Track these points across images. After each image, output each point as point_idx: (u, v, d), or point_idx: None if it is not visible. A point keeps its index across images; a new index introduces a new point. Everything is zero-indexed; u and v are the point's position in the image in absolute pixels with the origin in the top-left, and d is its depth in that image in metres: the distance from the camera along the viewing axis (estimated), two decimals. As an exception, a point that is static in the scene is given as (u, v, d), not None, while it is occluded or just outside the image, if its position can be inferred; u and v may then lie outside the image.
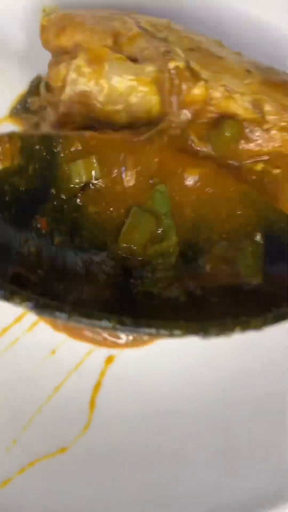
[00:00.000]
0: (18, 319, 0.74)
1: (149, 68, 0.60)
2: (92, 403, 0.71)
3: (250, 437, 0.67)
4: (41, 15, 0.69)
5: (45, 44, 0.62)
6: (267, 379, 0.71)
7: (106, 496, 0.64)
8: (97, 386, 0.73)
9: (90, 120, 0.62)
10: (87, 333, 0.72)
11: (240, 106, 0.59)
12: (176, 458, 0.67)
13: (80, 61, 0.60)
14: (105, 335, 0.72)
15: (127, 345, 0.73)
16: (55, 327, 0.73)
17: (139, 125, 0.61)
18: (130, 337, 0.72)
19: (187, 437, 0.68)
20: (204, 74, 0.59)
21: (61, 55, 0.61)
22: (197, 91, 0.59)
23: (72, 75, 0.60)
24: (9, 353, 0.72)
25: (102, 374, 0.74)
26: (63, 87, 0.61)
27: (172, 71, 0.59)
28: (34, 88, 0.74)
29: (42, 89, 0.63)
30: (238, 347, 0.71)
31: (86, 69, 0.61)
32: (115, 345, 0.73)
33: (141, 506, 0.63)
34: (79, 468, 0.66)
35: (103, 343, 0.73)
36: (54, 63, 0.62)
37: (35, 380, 0.71)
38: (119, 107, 0.61)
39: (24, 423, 0.68)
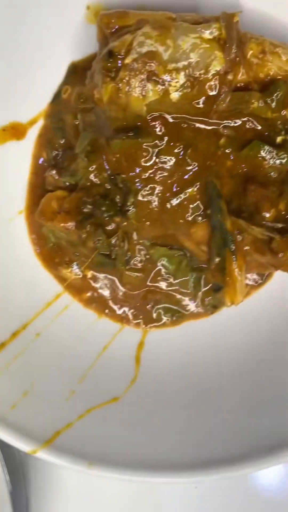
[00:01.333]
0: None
1: (214, 25, 0.67)
2: (137, 359, 0.79)
3: (277, 385, 0.75)
4: (86, 12, 0.77)
5: (105, 26, 0.69)
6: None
7: (153, 438, 0.72)
8: (141, 344, 0.81)
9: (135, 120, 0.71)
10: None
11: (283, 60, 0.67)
12: (214, 403, 0.75)
13: (147, 28, 0.67)
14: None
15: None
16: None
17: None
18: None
19: (223, 385, 0.76)
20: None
21: (122, 33, 0.69)
22: (253, 45, 0.68)
23: (140, 39, 0.66)
24: (62, 316, 0.80)
25: (144, 333, 0.82)
26: (127, 53, 0.66)
27: (237, 25, 0.67)
28: (69, 75, 0.82)
29: (101, 60, 0.67)
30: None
31: (153, 32, 0.67)
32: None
33: (183, 446, 0.71)
34: (129, 414, 0.74)
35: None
36: (117, 36, 0.68)
37: (86, 340, 0.79)
38: (180, 64, 0.67)
39: (79, 376, 0.76)
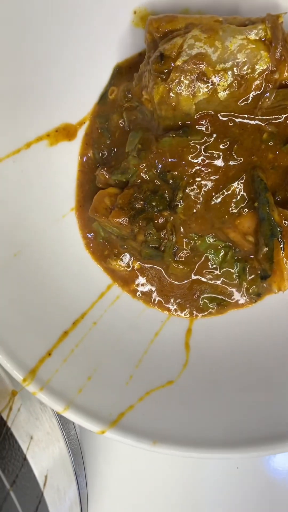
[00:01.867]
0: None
1: (260, 26, 0.71)
2: (187, 345, 0.84)
3: None
4: (132, 17, 0.81)
5: (155, 30, 0.73)
6: None
7: (208, 417, 0.76)
8: (189, 331, 0.85)
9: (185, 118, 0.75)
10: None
11: None
12: (262, 384, 0.80)
13: (196, 31, 0.71)
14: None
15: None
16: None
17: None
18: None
19: (270, 367, 0.81)
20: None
21: (172, 36, 0.72)
22: None
23: (190, 41, 0.70)
24: (114, 306, 0.85)
25: (192, 321, 0.87)
26: (177, 56, 0.70)
27: (282, 26, 0.71)
28: (115, 76, 0.86)
29: (153, 62, 0.71)
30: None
31: (202, 35, 0.71)
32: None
33: (236, 425, 0.75)
34: (185, 396, 0.79)
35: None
36: (167, 40, 0.72)
37: (138, 327, 0.84)
38: (228, 65, 0.71)
39: (136, 362, 0.81)
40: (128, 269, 0.87)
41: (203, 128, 0.76)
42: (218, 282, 0.86)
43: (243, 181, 0.77)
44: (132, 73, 0.82)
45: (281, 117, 0.76)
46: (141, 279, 0.88)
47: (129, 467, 0.95)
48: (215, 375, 0.81)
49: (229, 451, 0.72)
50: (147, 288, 0.87)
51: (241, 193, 0.77)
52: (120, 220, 0.77)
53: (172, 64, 0.72)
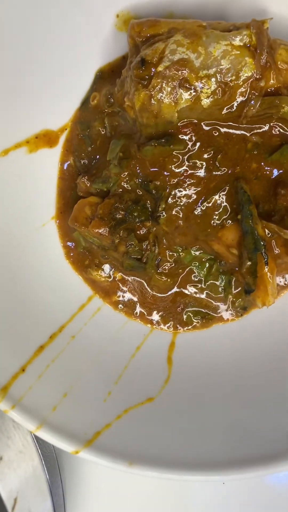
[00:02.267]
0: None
1: (245, 32, 0.68)
2: (169, 359, 0.81)
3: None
4: (115, 20, 0.78)
5: (136, 34, 0.70)
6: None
7: (189, 437, 0.73)
8: (172, 345, 0.83)
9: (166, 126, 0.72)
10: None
11: None
12: (246, 401, 0.77)
13: (178, 36, 0.68)
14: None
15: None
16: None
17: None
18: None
19: (254, 384, 0.78)
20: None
21: (154, 41, 0.70)
22: (283, 51, 0.69)
23: (172, 46, 0.68)
24: (95, 319, 0.82)
25: (175, 334, 0.84)
26: (159, 61, 0.67)
27: (267, 32, 0.68)
28: (97, 81, 0.83)
29: (134, 68, 0.68)
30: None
31: (185, 40, 0.68)
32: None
33: (218, 444, 0.72)
34: (165, 414, 0.76)
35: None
36: (149, 45, 0.69)
37: (119, 341, 0.81)
38: (212, 71, 0.68)
39: (115, 377, 0.78)
40: (110, 280, 0.85)
41: (186, 137, 0.73)
42: (203, 296, 0.84)
43: (225, 192, 0.74)
44: (114, 77, 0.80)
45: (265, 126, 0.73)
46: (123, 291, 0.85)
47: (111, 481, 0.92)
48: (198, 392, 0.78)
49: (209, 473, 0.69)
50: (129, 300, 0.85)
51: (224, 204, 0.75)
52: (100, 231, 0.75)
53: (154, 70, 0.69)
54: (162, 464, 0.69)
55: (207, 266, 0.81)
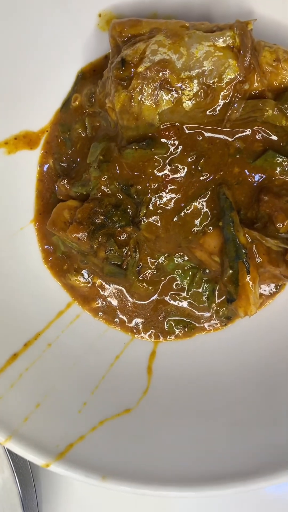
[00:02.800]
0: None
1: (228, 33, 0.66)
2: (149, 369, 0.78)
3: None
4: (97, 20, 0.76)
5: (118, 34, 0.68)
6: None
7: (166, 450, 0.71)
8: (152, 354, 0.80)
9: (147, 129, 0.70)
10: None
11: None
12: (227, 415, 0.74)
13: (160, 36, 0.66)
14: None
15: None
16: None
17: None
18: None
19: (236, 397, 0.75)
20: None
21: (135, 41, 0.67)
22: (267, 53, 0.67)
23: (153, 47, 0.66)
24: (73, 326, 0.80)
25: (156, 343, 0.81)
26: (139, 62, 0.66)
27: (251, 33, 0.66)
28: (79, 82, 0.80)
29: (114, 69, 0.67)
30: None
31: (167, 41, 0.66)
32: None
33: (196, 459, 0.70)
34: (142, 426, 0.73)
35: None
36: (130, 45, 0.67)
37: (98, 350, 0.79)
38: (194, 73, 0.66)
39: (92, 387, 0.75)
40: (89, 286, 0.82)
41: (169, 141, 0.71)
42: (185, 305, 0.81)
43: (207, 198, 0.72)
44: (96, 77, 0.78)
45: (247, 130, 0.71)
46: (102, 297, 0.82)
47: (91, 492, 0.89)
48: (177, 404, 0.75)
49: (185, 489, 0.66)
50: (109, 307, 0.82)
51: (206, 210, 0.72)
52: (78, 236, 0.72)
53: (134, 71, 0.67)
54: (137, 479, 0.67)
55: (190, 274, 0.79)
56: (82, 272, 0.81)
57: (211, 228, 0.72)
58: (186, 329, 0.81)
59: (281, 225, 0.67)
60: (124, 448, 0.70)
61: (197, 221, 0.72)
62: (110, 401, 0.75)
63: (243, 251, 0.68)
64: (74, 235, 0.72)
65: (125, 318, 0.82)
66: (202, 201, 0.72)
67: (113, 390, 0.76)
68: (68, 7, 0.74)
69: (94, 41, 0.77)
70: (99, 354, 0.78)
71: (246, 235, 0.68)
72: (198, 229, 0.72)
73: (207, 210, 0.72)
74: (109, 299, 0.82)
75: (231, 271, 0.69)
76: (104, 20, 0.76)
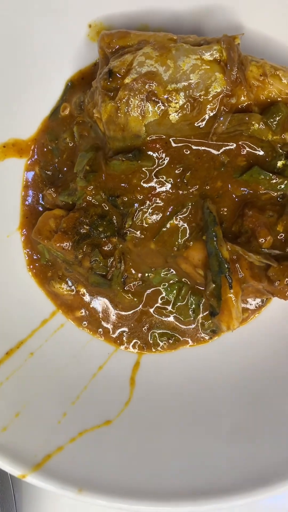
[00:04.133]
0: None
1: (215, 47, 0.66)
2: (132, 380, 0.78)
3: (275, 411, 0.73)
4: (87, 30, 0.76)
5: (106, 46, 0.68)
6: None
7: (146, 464, 0.70)
8: (136, 365, 0.80)
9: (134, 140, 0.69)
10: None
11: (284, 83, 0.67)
12: (210, 429, 0.73)
13: (147, 49, 0.66)
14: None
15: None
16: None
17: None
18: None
19: (220, 410, 0.75)
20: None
21: (123, 52, 0.67)
22: (254, 68, 0.67)
23: (140, 58, 0.66)
24: (57, 335, 0.79)
25: (140, 354, 0.81)
26: (126, 73, 0.66)
27: (239, 47, 0.66)
28: (68, 91, 0.80)
29: (101, 79, 0.67)
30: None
31: (154, 53, 0.66)
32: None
33: (176, 474, 0.69)
34: (122, 438, 0.73)
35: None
36: (118, 56, 0.67)
37: (81, 359, 0.78)
38: (180, 85, 0.66)
39: (73, 398, 0.75)
40: (72, 294, 0.82)
41: (155, 154, 0.71)
42: (171, 319, 0.81)
43: (192, 211, 0.72)
44: (85, 84, 0.78)
45: (232, 145, 0.70)
46: (86, 306, 0.82)
47: (74, 503, 0.88)
48: (158, 417, 0.75)
49: (161, 504, 0.66)
50: (93, 316, 0.82)
51: (191, 224, 0.72)
52: (63, 245, 0.72)
53: (120, 82, 0.67)
54: (113, 493, 0.66)
55: (176, 288, 0.79)
56: (67, 279, 0.81)
57: (192, 242, 0.71)
58: (170, 341, 0.81)
59: (264, 241, 0.67)
60: (103, 460, 0.70)
61: (182, 234, 0.72)
62: (91, 412, 0.74)
63: (226, 266, 0.67)
64: (58, 244, 0.72)
65: (109, 328, 0.81)
66: (188, 214, 0.71)
67: (95, 401, 0.75)
68: (59, 17, 0.75)
69: (84, 51, 0.77)
70: (82, 364, 0.78)
71: (229, 249, 0.68)
72: (181, 242, 0.72)
73: (192, 224, 0.71)
74: (93, 308, 0.82)
75: (213, 285, 0.69)
76: (94, 30, 0.76)
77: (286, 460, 0.67)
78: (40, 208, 0.80)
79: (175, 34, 0.70)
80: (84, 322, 0.81)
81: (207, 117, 0.68)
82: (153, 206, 0.72)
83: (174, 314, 0.80)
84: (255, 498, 0.64)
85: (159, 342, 0.81)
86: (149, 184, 0.72)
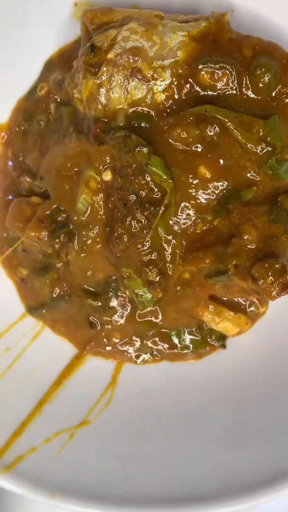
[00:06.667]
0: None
1: (203, 23, 0.62)
2: (114, 379, 0.73)
3: (261, 417, 0.68)
4: (73, 9, 0.73)
5: (89, 21, 0.64)
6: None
7: (125, 468, 0.65)
8: (119, 364, 0.74)
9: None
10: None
11: None
12: (191, 433, 0.68)
13: (133, 24, 0.63)
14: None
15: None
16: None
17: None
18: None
19: (205, 415, 0.70)
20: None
21: (107, 27, 0.64)
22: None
23: (125, 33, 0.62)
24: (35, 331, 0.74)
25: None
26: (110, 48, 0.62)
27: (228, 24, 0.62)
28: (45, 71, 0.76)
29: (83, 54, 0.63)
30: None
31: (139, 28, 0.63)
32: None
33: (157, 479, 0.64)
34: (101, 440, 0.68)
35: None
36: (102, 31, 0.64)
37: (59, 356, 0.73)
38: (166, 62, 0.62)
39: (50, 396, 0.70)
40: None
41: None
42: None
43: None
44: (63, 62, 0.73)
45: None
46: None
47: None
48: (140, 419, 0.70)
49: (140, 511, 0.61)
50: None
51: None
52: (39, 235, 0.67)
53: (102, 57, 0.64)
54: (89, 498, 0.62)
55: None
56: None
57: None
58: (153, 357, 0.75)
59: (248, 237, 0.62)
60: (79, 463, 0.66)
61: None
62: (68, 412, 0.70)
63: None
64: (33, 234, 0.67)
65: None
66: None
67: (73, 400, 0.71)
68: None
69: (69, 31, 0.74)
70: (60, 360, 0.73)
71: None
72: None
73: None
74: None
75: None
76: (80, 10, 0.73)
77: (271, 470, 0.62)
78: (10, 197, 0.75)
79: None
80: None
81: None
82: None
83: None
84: (237, 507, 0.59)
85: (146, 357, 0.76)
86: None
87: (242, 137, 0.60)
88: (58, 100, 0.73)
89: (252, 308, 0.74)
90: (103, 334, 0.73)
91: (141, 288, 0.66)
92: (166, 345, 0.73)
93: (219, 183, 0.63)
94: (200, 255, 0.62)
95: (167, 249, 0.64)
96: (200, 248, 0.63)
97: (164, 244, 0.64)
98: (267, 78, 0.62)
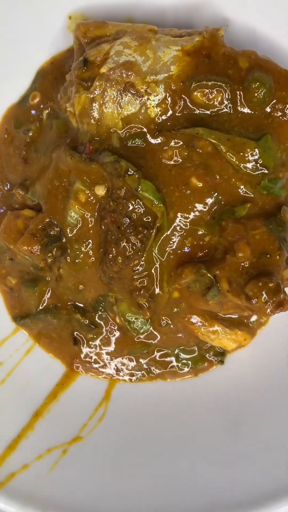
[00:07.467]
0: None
1: (197, 38, 0.62)
2: (108, 394, 0.72)
3: (256, 434, 0.68)
4: (67, 22, 0.72)
5: (82, 35, 0.64)
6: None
7: (117, 486, 0.65)
8: (113, 380, 0.74)
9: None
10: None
11: None
12: (184, 450, 0.68)
13: (126, 38, 0.63)
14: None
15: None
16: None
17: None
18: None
19: (199, 433, 0.69)
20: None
21: (100, 42, 0.64)
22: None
23: (118, 48, 0.62)
24: (28, 345, 0.74)
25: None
26: (103, 62, 0.62)
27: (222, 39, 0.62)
28: (38, 80, 0.76)
29: (76, 68, 0.63)
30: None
31: (133, 43, 0.63)
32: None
33: (149, 497, 0.64)
34: (93, 457, 0.67)
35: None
36: (95, 45, 0.64)
37: (52, 371, 0.73)
38: (160, 77, 0.62)
39: (42, 412, 0.69)
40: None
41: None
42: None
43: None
44: (55, 70, 0.73)
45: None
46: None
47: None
48: (134, 436, 0.69)
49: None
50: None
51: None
52: (32, 249, 0.67)
53: (95, 71, 0.63)
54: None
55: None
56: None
57: None
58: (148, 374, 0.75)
59: (242, 255, 0.61)
60: (72, 480, 0.65)
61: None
62: (61, 427, 0.69)
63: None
64: (25, 247, 0.67)
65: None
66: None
67: (66, 416, 0.70)
68: (37, 7, 0.71)
69: (63, 42, 0.73)
70: (53, 375, 0.72)
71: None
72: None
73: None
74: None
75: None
76: (74, 22, 0.72)
77: (265, 488, 0.62)
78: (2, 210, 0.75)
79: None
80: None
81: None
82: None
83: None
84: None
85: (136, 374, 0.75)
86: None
87: (235, 159, 0.60)
88: (51, 112, 0.72)
89: (254, 318, 0.73)
90: (91, 351, 0.73)
91: (132, 313, 0.66)
92: (162, 364, 0.73)
93: (212, 193, 0.63)
94: (178, 271, 0.62)
95: (158, 270, 0.64)
96: (184, 264, 0.62)
97: (156, 265, 0.63)
98: (261, 92, 0.62)
